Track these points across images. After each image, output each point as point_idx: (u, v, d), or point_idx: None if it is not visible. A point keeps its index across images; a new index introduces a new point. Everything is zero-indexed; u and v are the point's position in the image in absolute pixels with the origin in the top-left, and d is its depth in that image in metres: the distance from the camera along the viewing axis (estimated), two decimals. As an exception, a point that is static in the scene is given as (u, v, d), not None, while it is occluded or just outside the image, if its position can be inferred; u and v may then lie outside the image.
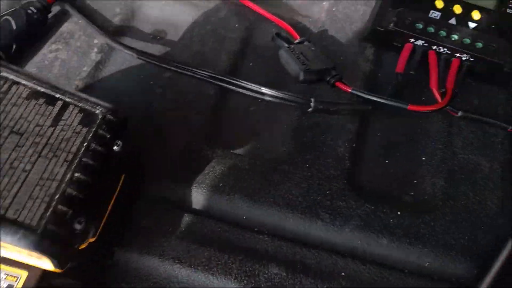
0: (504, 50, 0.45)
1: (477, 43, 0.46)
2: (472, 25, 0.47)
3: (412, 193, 0.44)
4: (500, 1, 0.48)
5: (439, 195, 0.43)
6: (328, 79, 0.45)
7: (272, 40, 0.50)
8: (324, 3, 0.56)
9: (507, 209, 0.42)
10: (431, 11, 0.48)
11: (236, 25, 0.53)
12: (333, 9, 0.54)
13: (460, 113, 0.46)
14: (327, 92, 0.48)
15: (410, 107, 0.43)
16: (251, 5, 0.54)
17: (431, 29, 0.47)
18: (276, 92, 0.44)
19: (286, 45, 0.46)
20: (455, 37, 0.46)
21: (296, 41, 0.49)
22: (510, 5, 0.47)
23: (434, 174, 0.44)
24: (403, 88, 0.47)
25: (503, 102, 0.48)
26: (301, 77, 0.44)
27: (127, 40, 0.53)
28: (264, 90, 0.44)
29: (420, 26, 0.47)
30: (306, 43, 0.48)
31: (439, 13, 0.48)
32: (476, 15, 0.47)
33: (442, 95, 0.46)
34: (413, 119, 0.47)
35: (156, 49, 0.53)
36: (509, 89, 0.47)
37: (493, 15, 0.47)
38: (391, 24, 0.47)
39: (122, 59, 0.51)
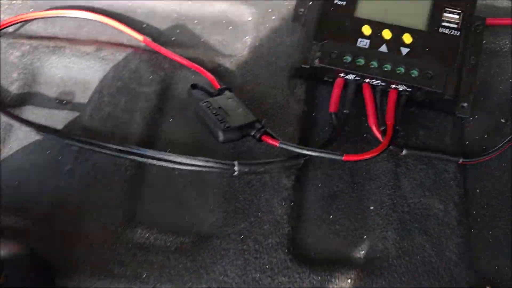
0: (442, 76, 0.41)
1: (412, 71, 0.41)
2: (404, 50, 0.42)
3: (362, 252, 0.39)
4: (431, 20, 0.43)
5: (392, 251, 0.38)
6: (253, 133, 0.40)
7: (188, 94, 0.44)
8: (247, 37, 0.51)
9: (466, 256, 0.38)
10: (359, 40, 0.43)
11: (150, 77, 0.47)
12: (257, 44, 0.49)
13: (404, 152, 0.41)
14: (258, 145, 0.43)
15: (345, 157, 0.38)
16: (165, 51, 0.48)
17: (361, 61, 0.42)
18: (195, 160, 0.39)
19: (202, 101, 0.41)
20: (388, 66, 0.41)
21: (215, 91, 0.44)
22: (443, 23, 0.43)
23: (384, 226, 0.39)
24: (341, 128, 0.42)
25: (450, 129, 0.43)
26: (221, 138, 0.39)
27: (29, 110, 0.46)
28: (181, 159, 0.39)
29: (348, 58, 0.42)
30: (226, 93, 0.43)
31: (368, 41, 0.43)
32: (407, 39, 0.43)
33: (383, 132, 0.41)
34: (354, 162, 0.43)
35: (62, 116, 0.46)
36: (455, 115, 0.43)
37: (425, 37, 0.43)
38: (316, 61, 0.42)
39: (25, 134, 0.45)
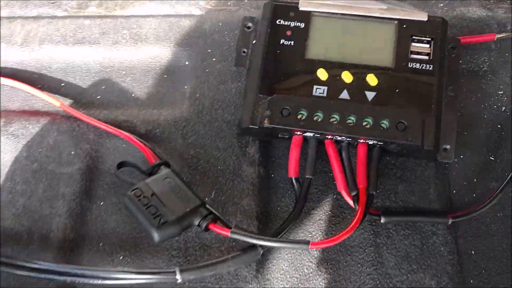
0: (417, 124, 0.33)
1: (382, 121, 0.34)
2: (370, 95, 0.35)
3: None
4: (397, 54, 0.36)
5: None
6: (198, 222, 0.33)
7: (116, 176, 0.37)
8: (186, 87, 0.43)
9: None
10: (315, 87, 0.35)
11: (72, 153, 0.39)
12: (197, 95, 0.42)
13: (383, 219, 0.35)
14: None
15: (312, 245, 0.31)
16: (88, 118, 0.39)
17: (320, 115, 0.34)
18: (129, 274, 0.31)
19: (130, 189, 0.33)
20: (353, 119, 0.34)
21: (149, 168, 0.36)
22: (412, 55, 0.36)
23: (368, 314, 0.33)
24: (305, 197, 0.35)
25: (433, 179, 0.36)
26: (156, 238, 0.31)
27: None
28: (113, 275, 0.31)
29: (304, 113, 0.34)
30: (163, 170, 0.35)
31: (325, 88, 0.35)
32: (372, 80, 0.35)
33: (355, 198, 0.35)
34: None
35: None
36: (437, 160, 0.37)
37: (393, 76, 0.35)
38: (265, 121, 0.35)
39: None
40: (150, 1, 0.48)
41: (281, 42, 0.37)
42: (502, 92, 0.41)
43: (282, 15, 0.37)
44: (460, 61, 0.39)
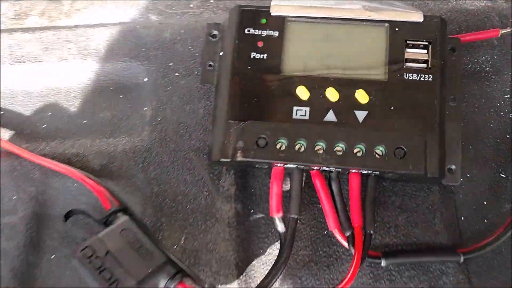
0: (419, 149, 0.28)
1: (377, 147, 0.28)
2: (361, 115, 0.30)
3: None
4: (390, 64, 0.30)
5: None
6: (165, 284, 0.27)
7: (65, 221, 0.31)
8: (145, 109, 0.37)
9: None
10: (295, 109, 0.30)
11: (14, 197, 0.33)
12: (160, 118, 0.36)
13: (384, 263, 0.30)
14: None
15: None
16: (31, 155, 0.33)
17: (302, 143, 0.29)
18: None
19: (80, 248, 0.28)
20: (342, 146, 0.29)
21: (104, 216, 0.30)
22: (407, 64, 0.30)
23: None
24: (292, 238, 0.29)
25: (438, 206, 0.31)
26: (113, 311, 0.26)
27: None
28: None
29: (284, 143, 0.29)
30: (120, 218, 0.29)
31: (307, 109, 0.30)
32: (362, 97, 0.30)
33: (350, 239, 0.30)
34: None
35: None
36: (441, 183, 0.31)
37: (386, 90, 0.30)
38: (239, 154, 0.30)
39: None
40: (100, 6, 0.42)
41: (252, 56, 0.31)
42: (508, 95, 0.35)
43: (251, 22, 0.31)
44: (461, 64, 0.35)
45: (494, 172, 0.33)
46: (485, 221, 0.32)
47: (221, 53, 0.33)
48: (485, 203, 0.32)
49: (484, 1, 0.39)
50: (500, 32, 0.35)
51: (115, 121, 0.36)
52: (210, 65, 0.34)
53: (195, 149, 0.34)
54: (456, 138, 0.31)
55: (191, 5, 0.41)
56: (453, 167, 0.31)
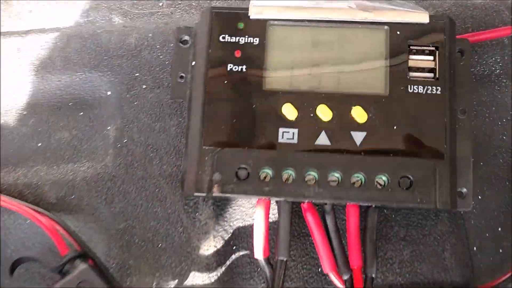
0: (427, 177, 0.24)
1: (379, 177, 0.24)
2: (358, 137, 0.25)
3: None
4: (392, 75, 0.25)
5: None
6: None
7: (11, 273, 0.27)
8: (109, 128, 0.32)
9: None
10: (281, 131, 0.25)
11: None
12: (124, 140, 0.31)
13: (387, 308, 0.26)
14: None
15: None
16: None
17: (290, 173, 0.24)
18: None
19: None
20: (337, 175, 0.24)
21: (60, 263, 0.26)
22: (411, 73, 0.25)
23: None
24: (282, 283, 0.25)
25: (448, 236, 0.27)
26: None
27: None
28: None
29: (268, 173, 0.24)
30: (79, 266, 0.24)
31: (295, 131, 0.25)
32: (360, 115, 0.25)
33: (349, 283, 0.26)
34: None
35: None
36: (451, 210, 0.27)
37: (388, 106, 0.25)
38: (215, 188, 0.25)
39: None
40: (55, 6, 0.36)
41: (229, 68, 0.26)
42: (523, 102, 0.32)
43: (226, 28, 0.26)
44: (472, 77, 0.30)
45: (509, 192, 0.30)
46: (501, 250, 0.28)
47: (193, 63, 0.29)
48: (499, 229, 0.29)
49: (492, -7, 0.35)
50: (513, 30, 0.31)
51: (74, 143, 0.32)
52: (181, 77, 0.29)
53: (167, 175, 0.29)
54: (467, 156, 0.27)
55: (161, 4, 0.35)
56: (464, 190, 0.27)
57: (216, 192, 0.24)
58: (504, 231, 0.28)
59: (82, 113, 0.32)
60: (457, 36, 0.30)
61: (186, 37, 0.30)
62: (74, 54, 0.33)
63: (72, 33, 0.34)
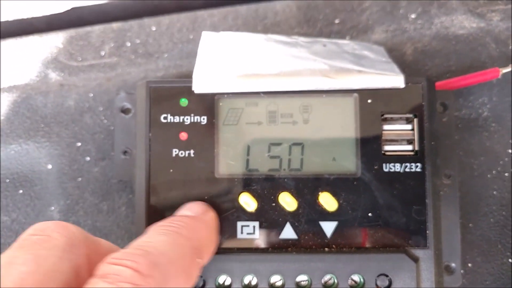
0: (408, 274, 0.20)
1: (354, 276, 0.20)
2: (328, 228, 0.21)
3: None
4: (363, 149, 0.22)
5: None
6: None
7: None
8: (52, 209, 0.28)
9: None
10: (240, 226, 0.21)
11: None
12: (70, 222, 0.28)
13: None
14: None
15: None
16: None
17: (254, 279, 0.21)
18: None
19: None
20: (306, 278, 0.21)
21: None
22: (386, 148, 0.22)
23: None
24: None
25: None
26: None
27: None
28: None
29: (225, 279, 0.22)
30: None
31: (256, 224, 0.21)
32: (328, 202, 0.21)
33: None
34: None
35: None
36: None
37: (361, 190, 0.21)
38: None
39: None
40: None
41: (174, 154, 0.22)
42: (512, 149, 0.29)
43: (167, 106, 0.22)
44: (458, 124, 0.27)
45: (501, 257, 0.27)
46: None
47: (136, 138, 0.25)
48: (493, 304, 0.26)
49: (476, 21, 0.30)
50: (501, 72, 0.27)
51: (15, 227, 0.28)
52: (125, 152, 0.26)
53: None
54: (453, 226, 0.24)
55: (102, 53, 0.31)
56: (453, 265, 0.24)
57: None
58: (499, 304, 0.26)
59: (21, 191, 0.29)
60: (439, 83, 0.26)
61: (128, 105, 0.26)
62: (6, 123, 0.29)
63: (3, 96, 0.30)
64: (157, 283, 0.14)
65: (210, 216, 0.20)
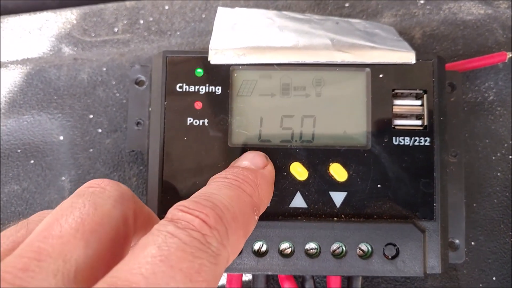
0: (415, 244, 0.21)
1: (361, 245, 0.21)
2: (338, 198, 0.22)
3: None
4: (374, 123, 0.22)
5: None
6: None
7: None
8: (63, 179, 0.28)
9: None
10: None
11: None
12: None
13: None
14: None
15: None
16: None
17: (263, 243, 0.22)
18: None
19: None
20: (314, 246, 0.21)
21: None
22: (396, 123, 0.22)
23: None
24: None
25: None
26: None
27: None
28: None
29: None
30: None
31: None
32: (338, 172, 0.22)
33: None
34: None
35: None
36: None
37: (370, 162, 0.22)
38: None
39: None
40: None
41: (188, 123, 0.23)
42: (517, 133, 0.29)
43: (183, 75, 0.23)
44: (464, 107, 0.27)
45: (503, 236, 0.27)
46: (498, 313, 0.26)
47: (150, 109, 0.25)
48: (494, 278, 0.27)
49: (484, 8, 0.31)
50: (508, 56, 0.28)
51: (26, 196, 0.29)
52: (138, 123, 0.26)
53: (129, 234, 0.27)
54: (458, 203, 0.25)
55: (115, 29, 0.32)
56: (457, 241, 0.25)
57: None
58: (499, 281, 0.26)
59: (33, 161, 0.29)
60: (447, 65, 0.27)
61: (142, 78, 0.26)
62: (19, 94, 0.29)
63: (16, 69, 0.30)
64: (220, 236, 0.15)
65: (269, 171, 0.21)
